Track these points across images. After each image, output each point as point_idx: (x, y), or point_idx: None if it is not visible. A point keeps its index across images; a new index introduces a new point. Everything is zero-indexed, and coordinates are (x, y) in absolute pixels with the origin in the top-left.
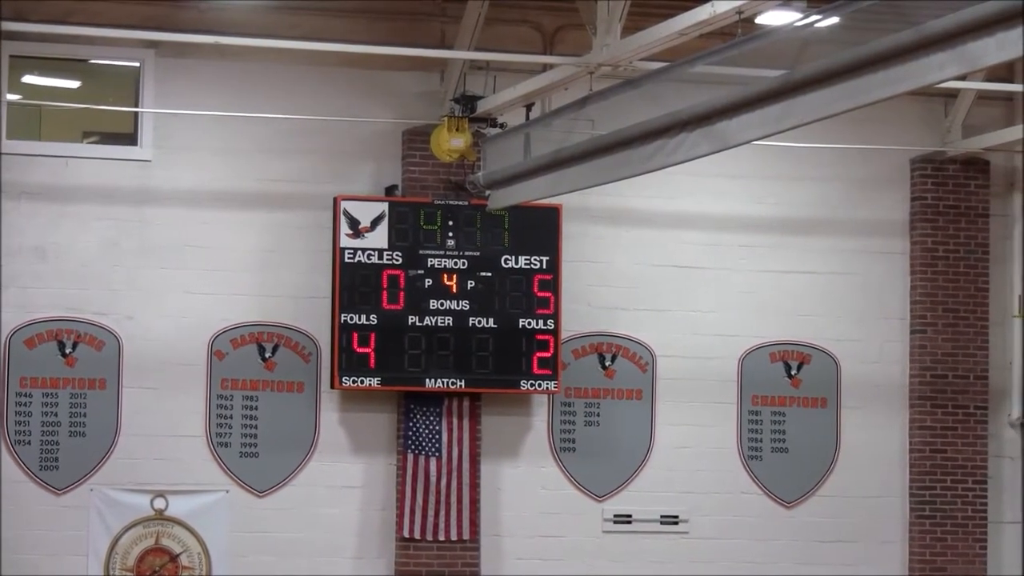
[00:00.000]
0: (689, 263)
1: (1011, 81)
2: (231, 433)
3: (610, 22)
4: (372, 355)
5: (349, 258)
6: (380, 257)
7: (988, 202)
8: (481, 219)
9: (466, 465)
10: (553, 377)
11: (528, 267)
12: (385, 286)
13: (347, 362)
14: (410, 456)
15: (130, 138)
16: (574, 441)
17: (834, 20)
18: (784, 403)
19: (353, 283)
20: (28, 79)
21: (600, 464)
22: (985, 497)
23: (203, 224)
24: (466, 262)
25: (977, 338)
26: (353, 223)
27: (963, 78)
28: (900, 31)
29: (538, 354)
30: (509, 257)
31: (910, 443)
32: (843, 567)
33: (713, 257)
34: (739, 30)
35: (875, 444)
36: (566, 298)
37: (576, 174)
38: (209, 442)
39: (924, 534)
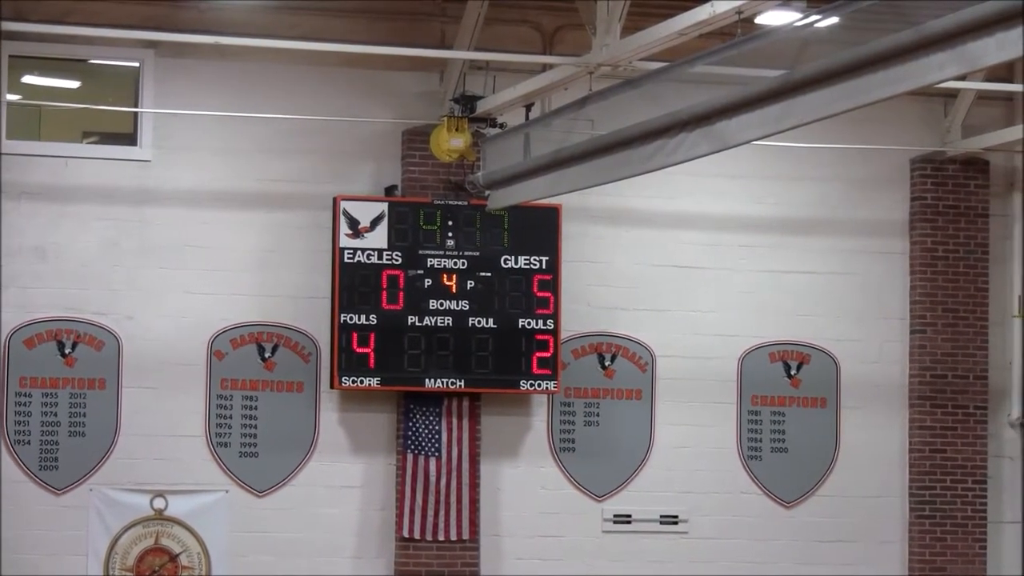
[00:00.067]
0: (689, 263)
1: (1011, 81)
2: (231, 433)
3: (610, 22)
4: (372, 355)
5: (349, 258)
6: (380, 257)
7: (988, 202)
8: (481, 219)
9: (466, 465)
10: (553, 377)
11: (528, 267)
12: (385, 286)
13: (347, 362)
14: (410, 456)
15: (130, 138)
16: (574, 441)
17: (834, 20)
18: (784, 403)
19: (353, 283)
20: (28, 79)
21: (600, 464)
22: (985, 497)
23: (203, 224)
24: (466, 262)
25: (977, 338)
26: (353, 223)
27: (963, 78)
28: (900, 31)
29: (538, 354)
30: (509, 257)
31: (910, 443)
32: (843, 567)
33: (713, 257)
34: (739, 30)
35: (875, 444)
36: (566, 298)
37: (576, 174)
38: (209, 442)
39: (924, 534)
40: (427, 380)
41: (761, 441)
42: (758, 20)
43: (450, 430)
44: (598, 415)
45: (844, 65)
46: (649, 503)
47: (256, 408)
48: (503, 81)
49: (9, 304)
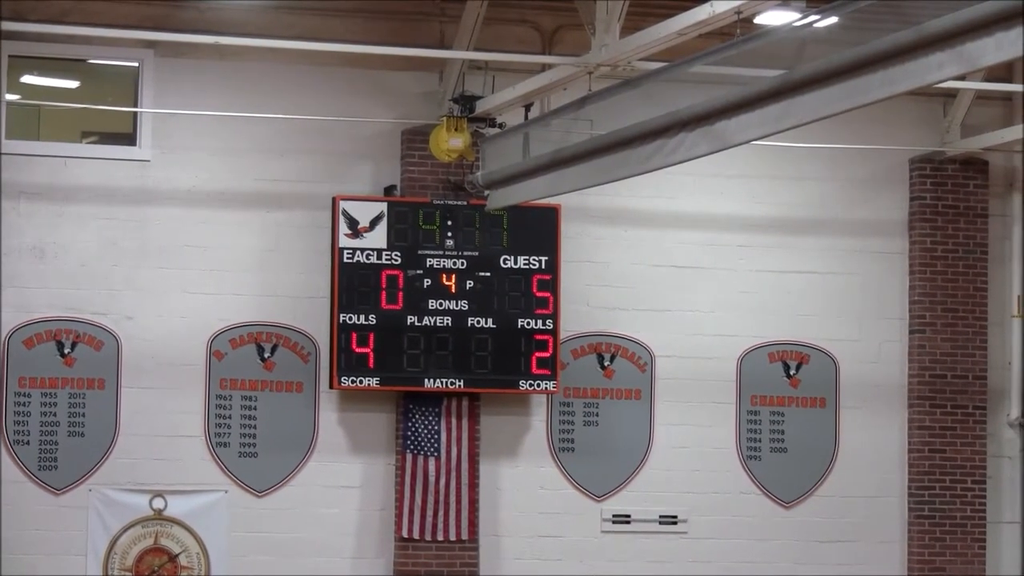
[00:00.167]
0: (688, 263)
1: (1010, 81)
2: (230, 433)
3: (609, 22)
4: (371, 355)
5: (348, 258)
6: (379, 257)
7: (987, 202)
8: (480, 219)
9: (465, 465)
10: (552, 377)
11: (527, 267)
12: (384, 286)
13: (346, 362)
14: (409, 456)
15: (129, 138)
16: (573, 441)
17: (833, 20)
18: (783, 403)
19: (352, 283)
20: (27, 79)
21: (599, 464)
22: (984, 497)
23: (202, 224)
24: (465, 262)
25: (976, 338)
26: (352, 223)
27: (962, 78)
28: (899, 31)
29: (537, 354)
30: (508, 257)
31: (909, 443)
32: (842, 567)
33: (712, 257)
34: (738, 30)
35: (874, 444)
36: (565, 298)
37: (575, 174)
38: (208, 442)
39: (923, 534)
40: (426, 380)
41: (760, 441)
42: (757, 20)
43: (449, 430)
44: (597, 415)
45: (843, 65)
46: (648, 503)
47: (255, 408)
48: (502, 81)
49: (8, 304)
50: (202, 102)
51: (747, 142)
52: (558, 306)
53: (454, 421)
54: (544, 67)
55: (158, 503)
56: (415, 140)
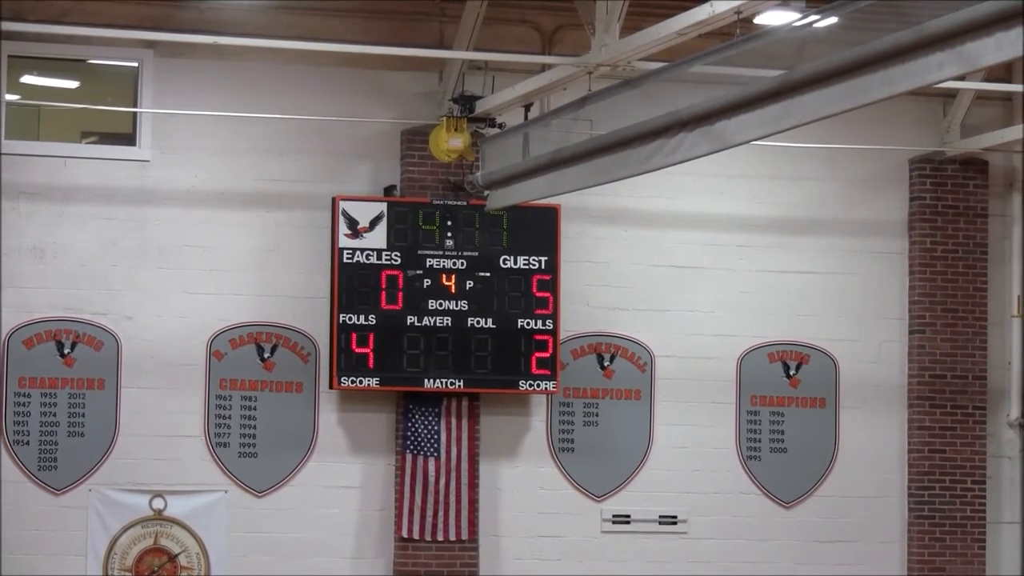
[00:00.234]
0: (688, 263)
1: (1009, 81)
2: (230, 433)
3: (609, 22)
4: (371, 355)
5: (348, 258)
6: (379, 257)
7: (987, 202)
8: (480, 219)
9: (465, 465)
10: (552, 377)
11: (527, 267)
12: (384, 286)
13: (346, 362)
14: (409, 456)
15: (128, 138)
16: (573, 441)
17: (833, 20)
18: (783, 403)
19: (352, 283)
20: (27, 79)
21: (599, 464)
22: (984, 497)
23: (202, 224)
24: (465, 262)
25: (976, 338)
26: (352, 223)
27: (962, 78)
28: (899, 31)
29: (537, 354)
30: (508, 257)
31: (909, 443)
32: (842, 567)
33: (712, 257)
34: (738, 30)
35: (874, 444)
36: (565, 298)
37: (575, 174)
38: (208, 442)
39: (923, 534)
40: (426, 380)
41: (760, 441)
42: (757, 20)
43: (449, 430)
44: (597, 415)
45: (843, 65)
46: (648, 503)
47: (255, 408)
48: (502, 81)
49: (8, 304)
50: (201, 102)
51: (747, 142)
52: (558, 306)
53: (454, 421)
54: (544, 67)
55: (158, 503)
56: (415, 140)
